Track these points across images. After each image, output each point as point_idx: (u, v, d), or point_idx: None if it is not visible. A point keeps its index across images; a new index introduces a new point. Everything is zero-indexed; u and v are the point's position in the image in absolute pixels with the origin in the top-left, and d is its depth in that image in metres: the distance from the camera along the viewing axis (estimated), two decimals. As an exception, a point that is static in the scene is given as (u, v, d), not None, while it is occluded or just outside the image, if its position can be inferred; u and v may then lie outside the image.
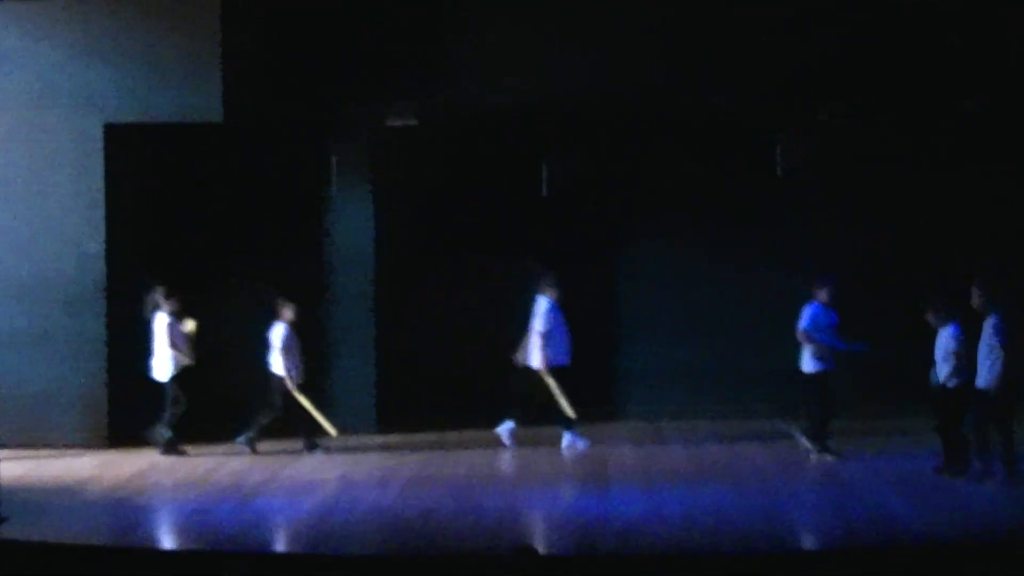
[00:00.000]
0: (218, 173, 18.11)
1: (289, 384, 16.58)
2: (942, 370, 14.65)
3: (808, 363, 15.86)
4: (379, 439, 17.44)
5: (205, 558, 12.33)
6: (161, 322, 16.72)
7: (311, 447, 16.66)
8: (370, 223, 18.02)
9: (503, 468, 15.80)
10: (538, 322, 16.77)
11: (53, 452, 16.56)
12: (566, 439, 16.78)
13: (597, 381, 18.58)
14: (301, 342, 16.81)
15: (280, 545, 13.14)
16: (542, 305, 16.81)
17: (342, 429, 17.11)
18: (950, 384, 14.59)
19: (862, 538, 12.91)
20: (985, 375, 14.21)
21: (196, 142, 17.62)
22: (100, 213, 16.94)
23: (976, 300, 14.42)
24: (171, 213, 17.96)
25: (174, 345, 16.69)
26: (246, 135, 17.65)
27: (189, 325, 16.78)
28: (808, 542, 13.12)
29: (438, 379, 17.83)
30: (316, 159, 17.84)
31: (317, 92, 17.51)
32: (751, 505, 13.89)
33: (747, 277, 18.38)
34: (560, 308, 16.84)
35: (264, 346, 16.74)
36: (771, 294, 18.07)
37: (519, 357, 16.86)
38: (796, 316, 16.06)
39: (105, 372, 16.94)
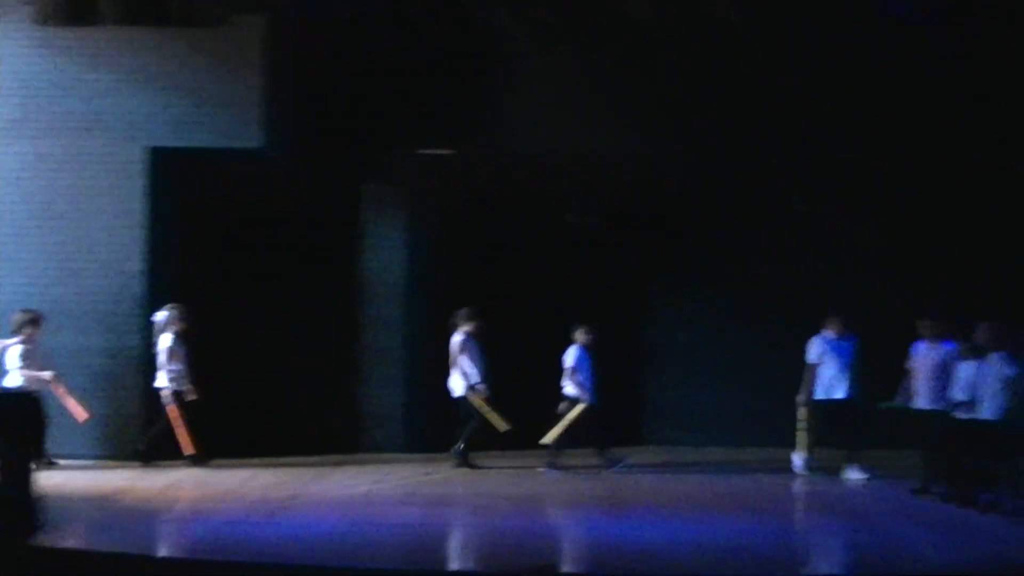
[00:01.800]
0: (255, 199, 18.55)
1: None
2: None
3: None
4: (405, 459, 17.80)
5: (229, 569, 12.68)
6: (456, 340, 17.28)
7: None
8: (403, 249, 18.43)
9: (524, 490, 16.10)
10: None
11: (88, 464, 17.02)
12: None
13: (622, 414, 18.97)
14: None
15: (303, 559, 13.38)
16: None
17: (369, 449, 17.60)
18: (962, 415, 14.91)
19: (875, 567, 13.21)
20: (995, 408, 14.55)
21: (235, 168, 18.06)
22: (141, 234, 17.44)
23: (984, 337, 14.75)
24: (210, 236, 18.41)
25: (463, 363, 17.28)
26: (284, 162, 18.09)
27: None
28: (822, 570, 13.27)
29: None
30: (351, 186, 18.28)
31: (355, 122, 17.95)
32: (766, 532, 14.09)
33: (765, 314, 18.71)
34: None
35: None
36: (793, 333, 18.44)
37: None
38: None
39: (141, 388, 17.40)
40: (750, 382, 18.62)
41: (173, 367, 17.10)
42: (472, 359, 17.30)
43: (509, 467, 17.43)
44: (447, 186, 18.89)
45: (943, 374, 15.26)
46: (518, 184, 18.96)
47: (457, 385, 17.37)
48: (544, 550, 13.42)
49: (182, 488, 15.88)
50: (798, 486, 16.42)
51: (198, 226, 18.32)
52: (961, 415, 14.94)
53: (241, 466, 17.17)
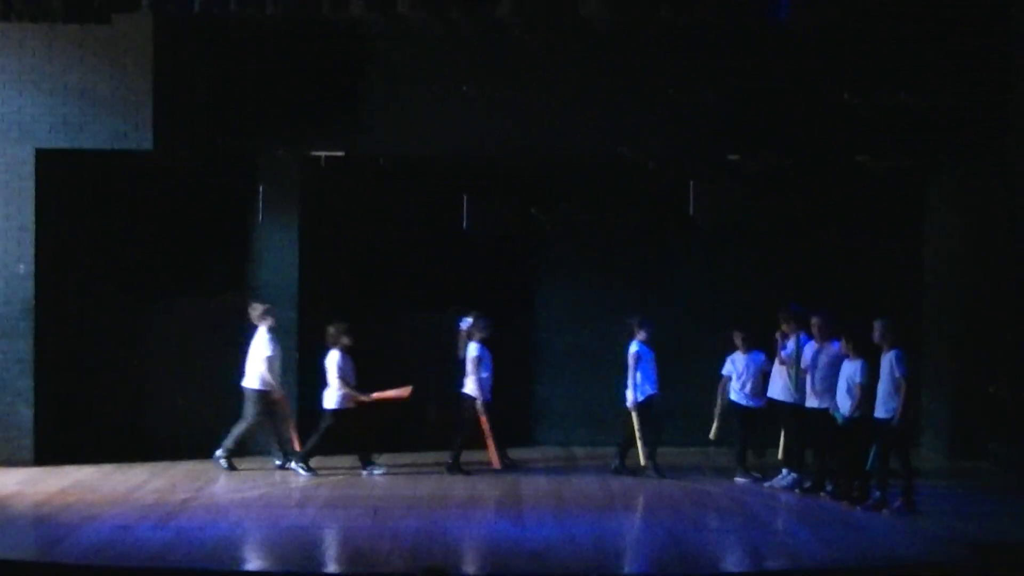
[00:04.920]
0: (147, 201, 18.42)
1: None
2: (845, 402, 15.24)
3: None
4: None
5: (122, 575, 12.65)
6: (631, 350, 17.08)
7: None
8: (295, 252, 18.38)
9: (420, 491, 16.16)
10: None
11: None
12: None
13: (514, 412, 19.06)
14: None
15: (199, 563, 13.29)
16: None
17: (263, 451, 17.60)
18: (855, 415, 15.18)
19: (767, 564, 13.49)
20: (888, 407, 14.84)
21: (126, 170, 17.93)
22: (30, 236, 17.18)
23: (877, 335, 15.04)
24: (101, 238, 18.27)
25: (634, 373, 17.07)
26: (176, 164, 17.98)
27: None
28: (716, 567, 13.42)
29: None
30: (244, 189, 18.23)
31: (246, 124, 17.87)
32: (660, 531, 14.34)
33: (659, 316, 18.86)
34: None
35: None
36: (680, 334, 18.69)
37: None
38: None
39: (31, 391, 17.19)
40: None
41: (482, 375, 17.04)
42: (645, 370, 17.13)
43: (408, 467, 17.46)
44: (339, 188, 18.86)
45: (833, 374, 15.52)
46: (409, 182, 18.97)
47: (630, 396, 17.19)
48: (439, 551, 13.55)
49: (75, 492, 15.74)
50: (692, 486, 16.59)
51: (89, 228, 18.17)
52: (846, 414, 15.22)
53: (135, 469, 17.04)
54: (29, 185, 17.23)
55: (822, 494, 15.72)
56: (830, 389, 15.53)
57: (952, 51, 17.49)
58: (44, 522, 14.42)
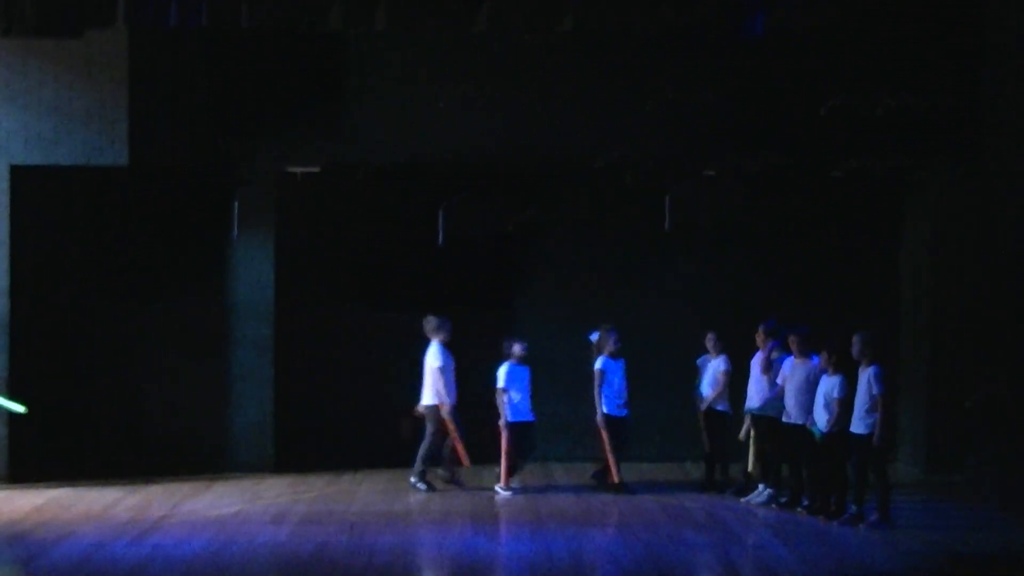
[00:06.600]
0: (123, 216, 18.39)
1: None
2: (823, 417, 15.25)
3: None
4: (275, 479, 17.77)
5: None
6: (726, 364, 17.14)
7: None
8: (270, 267, 18.34)
9: (396, 508, 16.14)
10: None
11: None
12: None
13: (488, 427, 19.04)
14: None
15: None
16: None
17: (239, 468, 17.52)
18: (832, 431, 15.18)
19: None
20: (866, 422, 14.85)
21: (102, 185, 17.90)
22: (5, 252, 17.17)
23: (856, 350, 15.05)
24: (77, 254, 18.24)
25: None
26: (151, 179, 17.96)
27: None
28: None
29: (333, 422, 18.16)
30: (219, 204, 18.20)
31: (221, 139, 17.85)
32: (637, 546, 14.33)
33: (635, 327, 18.86)
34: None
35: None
36: (659, 344, 18.67)
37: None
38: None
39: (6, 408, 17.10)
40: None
41: (603, 389, 16.99)
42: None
43: (384, 484, 17.43)
44: (316, 201, 18.84)
45: (810, 389, 15.53)
46: (385, 197, 18.95)
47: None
48: (415, 567, 13.53)
49: (50, 510, 15.71)
50: (667, 501, 16.59)
51: (65, 243, 18.15)
52: (824, 429, 15.23)
53: (110, 486, 16.99)
54: (4, 201, 17.22)
55: (798, 509, 15.74)
56: (808, 404, 15.53)
57: (947, 52, 17.50)
58: (18, 540, 14.36)
